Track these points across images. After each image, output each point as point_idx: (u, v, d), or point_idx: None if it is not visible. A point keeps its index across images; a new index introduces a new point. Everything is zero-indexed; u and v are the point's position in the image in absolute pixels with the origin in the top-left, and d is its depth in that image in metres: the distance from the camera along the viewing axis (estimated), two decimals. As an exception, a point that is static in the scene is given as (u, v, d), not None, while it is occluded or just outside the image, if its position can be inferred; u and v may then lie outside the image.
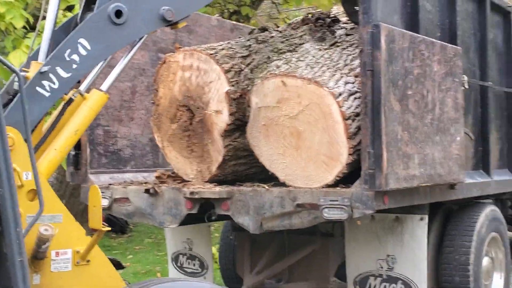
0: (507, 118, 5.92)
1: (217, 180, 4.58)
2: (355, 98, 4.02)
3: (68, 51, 3.21)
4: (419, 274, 4.36)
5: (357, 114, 3.96)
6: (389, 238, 4.49)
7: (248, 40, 4.63)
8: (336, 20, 4.78)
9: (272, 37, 4.67)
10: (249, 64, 4.39)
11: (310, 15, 4.80)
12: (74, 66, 3.22)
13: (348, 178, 4.06)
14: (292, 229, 4.23)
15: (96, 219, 3.09)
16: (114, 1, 3.35)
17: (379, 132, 3.70)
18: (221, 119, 4.35)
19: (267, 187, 4.17)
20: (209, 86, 4.41)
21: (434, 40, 4.34)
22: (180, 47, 4.58)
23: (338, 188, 3.97)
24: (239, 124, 4.39)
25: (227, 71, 4.32)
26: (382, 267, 4.52)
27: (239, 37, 5.02)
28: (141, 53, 5.52)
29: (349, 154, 3.93)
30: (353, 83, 4.10)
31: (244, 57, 4.44)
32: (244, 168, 4.65)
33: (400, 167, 3.85)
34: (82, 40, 3.24)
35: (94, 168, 4.99)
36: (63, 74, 3.20)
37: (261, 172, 4.66)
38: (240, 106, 4.32)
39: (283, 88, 4.07)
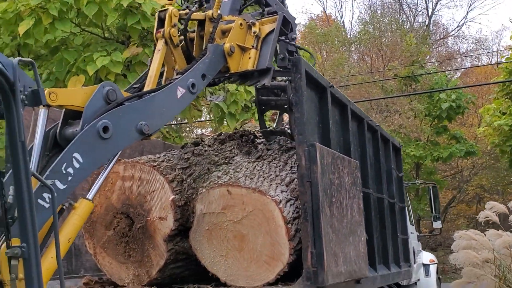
0: (380, 220, 6.90)
1: (154, 283, 4.84)
2: (291, 205, 4.63)
3: (64, 164, 3.48)
4: None
5: (294, 218, 4.56)
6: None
7: (186, 153, 5.10)
8: (256, 136, 5.45)
9: (206, 150, 5.19)
10: (190, 174, 4.85)
11: (235, 133, 5.43)
12: (69, 178, 3.49)
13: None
14: None
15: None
16: (100, 118, 3.71)
17: (320, 234, 4.34)
18: (165, 225, 4.70)
19: (211, 288, 4.55)
20: (152, 194, 4.77)
21: (344, 155, 5.17)
22: (120, 159, 4.90)
23: (279, 286, 4.47)
24: (181, 229, 4.77)
25: (171, 181, 4.73)
26: None
27: (171, 150, 5.47)
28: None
29: (290, 254, 4.49)
30: (286, 191, 4.72)
31: (184, 168, 4.89)
32: (180, 270, 4.98)
33: (333, 265, 4.49)
34: (76, 155, 3.54)
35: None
36: (60, 186, 3.45)
37: (195, 274, 5.03)
38: (184, 212, 4.72)
39: (228, 196, 4.58)
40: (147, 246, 4.78)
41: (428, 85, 26.44)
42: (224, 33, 4.67)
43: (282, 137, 5.40)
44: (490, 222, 7.09)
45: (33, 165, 3.53)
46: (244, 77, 4.69)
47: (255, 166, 4.95)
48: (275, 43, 4.71)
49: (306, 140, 4.50)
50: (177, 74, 4.38)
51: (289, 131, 5.21)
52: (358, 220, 5.27)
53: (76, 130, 3.68)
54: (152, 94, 4.03)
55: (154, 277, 4.79)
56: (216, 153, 5.15)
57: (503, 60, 23.51)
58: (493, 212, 7.14)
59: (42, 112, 3.63)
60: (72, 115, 3.81)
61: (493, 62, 35.32)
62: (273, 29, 4.71)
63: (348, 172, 5.14)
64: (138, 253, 4.83)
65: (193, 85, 4.25)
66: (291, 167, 5.04)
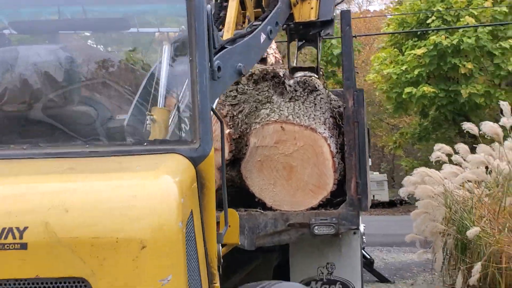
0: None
1: (202, 207, 5.31)
2: (332, 141, 5.27)
3: None
4: (356, 276, 5.71)
5: (336, 153, 5.22)
6: (329, 249, 5.76)
7: (231, 91, 5.51)
8: (284, 77, 5.95)
9: (247, 89, 5.63)
10: (241, 111, 5.31)
11: (266, 73, 5.88)
12: None
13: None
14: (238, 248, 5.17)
15: (233, 236, 3.79)
16: (216, 58, 4.08)
17: (364, 167, 5.05)
18: (220, 155, 5.15)
19: (261, 211, 5.13)
20: (205, 127, 5.18)
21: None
22: (173, 93, 5.24)
23: (322, 210, 5.15)
24: (232, 160, 5.26)
25: (224, 116, 5.18)
26: (322, 273, 5.76)
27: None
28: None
29: (334, 184, 5.16)
30: (326, 129, 5.34)
31: (233, 105, 5.34)
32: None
33: (369, 193, 5.24)
34: None
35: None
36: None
37: (234, 199, 5.56)
38: (237, 145, 5.21)
39: (281, 132, 5.12)
40: (199, 174, 5.22)
41: (321, 31, 27.69)
42: (284, -19, 5.10)
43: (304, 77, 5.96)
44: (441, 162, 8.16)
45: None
46: (306, 26, 5.18)
47: (294, 106, 5.51)
48: (336, -6, 5.22)
49: (353, 86, 5.13)
50: (249, 21, 4.78)
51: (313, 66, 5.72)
52: (367, 152, 6.03)
53: None
54: (245, 39, 4.42)
55: (203, 202, 5.27)
56: (257, 92, 5.62)
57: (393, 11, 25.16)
58: (442, 153, 8.21)
59: (166, 48, 3.94)
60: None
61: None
62: None
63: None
64: (189, 180, 5.26)
65: (270, 31, 4.69)
66: (320, 107, 5.65)
